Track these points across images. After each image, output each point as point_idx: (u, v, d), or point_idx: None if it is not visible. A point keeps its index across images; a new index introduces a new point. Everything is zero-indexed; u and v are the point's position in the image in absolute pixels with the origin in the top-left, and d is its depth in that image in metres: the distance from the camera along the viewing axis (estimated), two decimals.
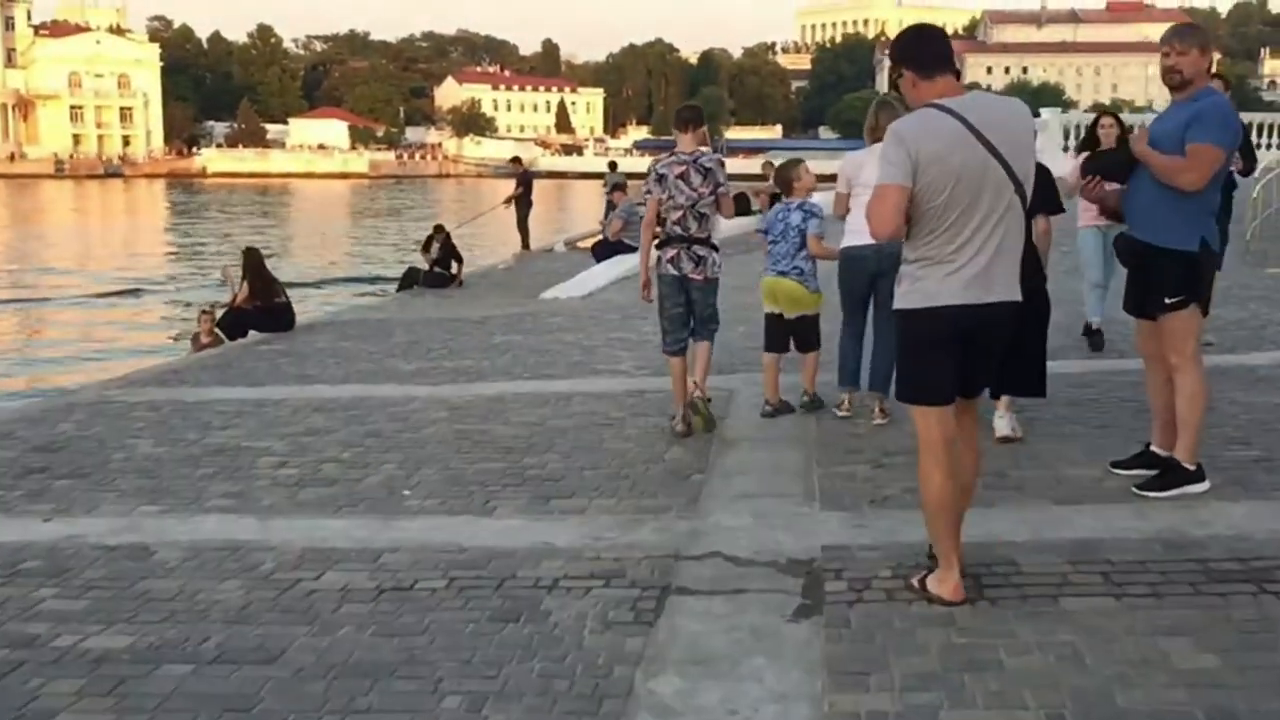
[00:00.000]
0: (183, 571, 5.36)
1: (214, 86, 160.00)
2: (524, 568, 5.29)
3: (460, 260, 19.81)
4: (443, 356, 11.84)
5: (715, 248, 7.96)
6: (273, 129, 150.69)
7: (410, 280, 19.56)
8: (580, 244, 26.83)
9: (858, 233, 7.11)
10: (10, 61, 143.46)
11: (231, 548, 5.67)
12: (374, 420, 8.65)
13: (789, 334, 8.30)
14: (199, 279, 32.11)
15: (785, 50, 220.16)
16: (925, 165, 4.38)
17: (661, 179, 7.84)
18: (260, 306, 13.68)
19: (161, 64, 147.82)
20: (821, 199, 8.54)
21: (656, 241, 8.04)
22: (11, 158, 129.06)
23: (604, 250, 20.56)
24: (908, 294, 4.61)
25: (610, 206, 22.56)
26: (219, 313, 13.91)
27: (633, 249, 20.38)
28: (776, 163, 10.33)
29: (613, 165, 28.47)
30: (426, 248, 19.50)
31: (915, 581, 4.78)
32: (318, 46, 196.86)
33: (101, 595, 5.06)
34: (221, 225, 59.54)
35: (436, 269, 19.31)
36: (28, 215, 69.82)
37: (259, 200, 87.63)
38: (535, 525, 5.99)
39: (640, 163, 68.35)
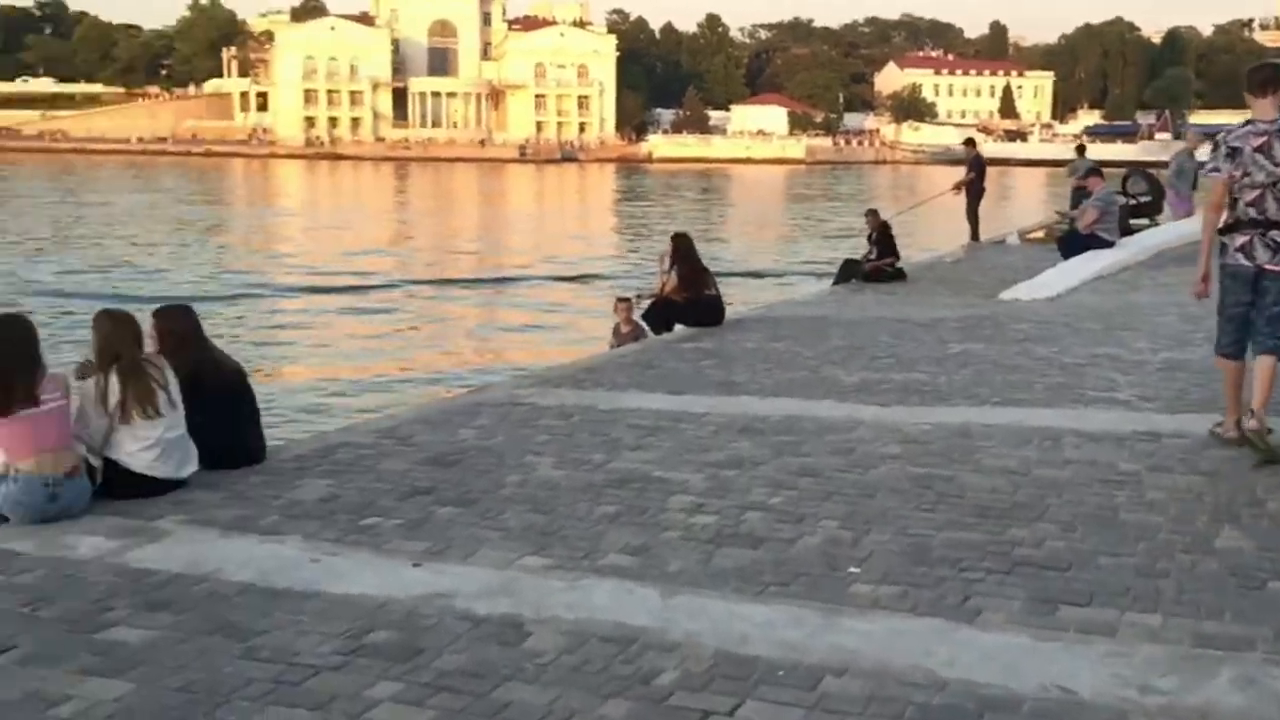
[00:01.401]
0: (557, 674, 3.99)
1: (664, 75, 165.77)
2: None
3: (895, 253, 17.92)
4: (889, 366, 10.09)
5: None
6: (715, 115, 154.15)
7: (848, 273, 17.90)
8: (1031, 235, 24.20)
9: None
10: (486, 54, 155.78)
11: (623, 640, 4.25)
12: (810, 451, 7.06)
13: None
14: (638, 264, 32.13)
15: (1264, 26, 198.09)
16: None
17: (1234, 153, 5.95)
18: (689, 298, 12.51)
19: (617, 54, 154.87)
20: None
21: (1221, 227, 6.18)
22: (481, 143, 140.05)
23: (1072, 244, 17.94)
24: None
25: (1080, 194, 19.81)
26: (645, 303, 12.89)
27: (1107, 243, 17.68)
28: None
29: (1080, 149, 25.49)
30: (873, 239, 17.74)
31: None
32: (762, 34, 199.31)
33: (450, 706, 3.76)
34: (663, 209, 60.70)
35: (879, 262, 17.53)
36: (493, 197, 74.75)
37: (699, 185, 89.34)
38: (1041, 649, 4.15)
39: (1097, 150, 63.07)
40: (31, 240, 38.03)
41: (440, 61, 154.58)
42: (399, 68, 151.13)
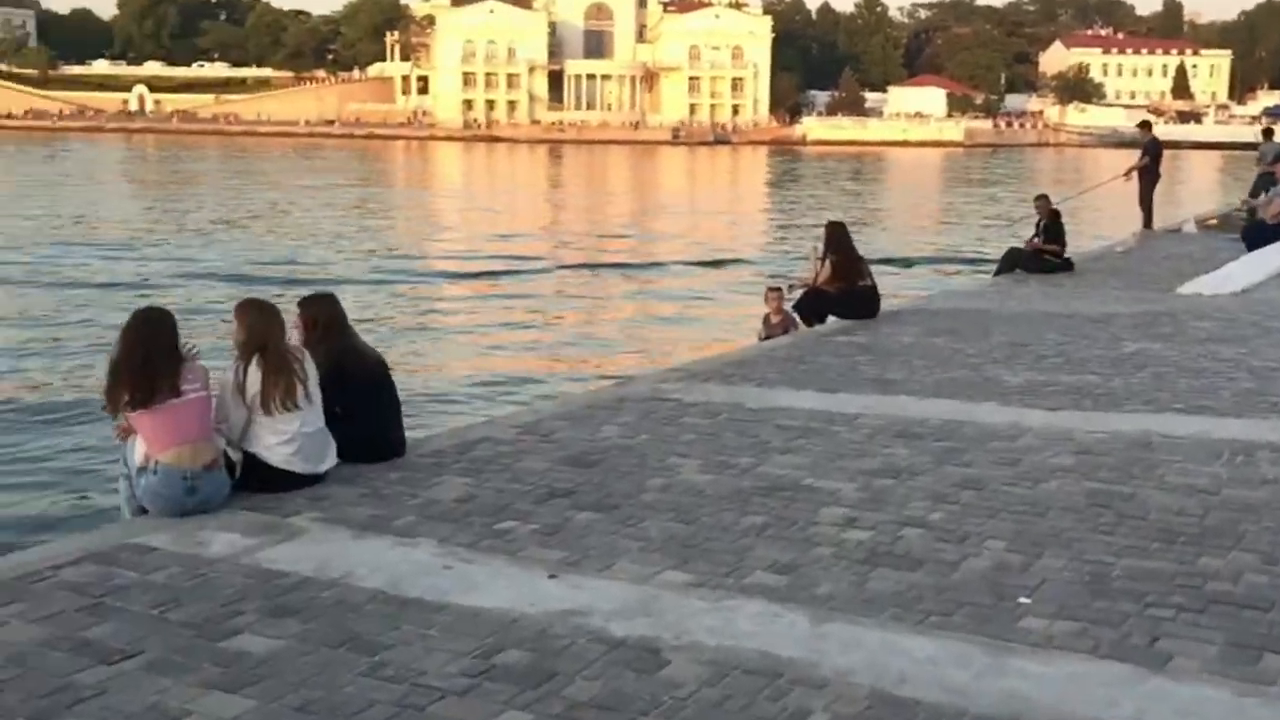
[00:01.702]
0: (697, 709, 3.67)
1: (819, 56, 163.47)
2: None
3: (1064, 241, 17.00)
4: (1058, 367, 9.47)
5: None
6: (871, 97, 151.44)
7: (1011, 262, 17.06)
8: (1208, 222, 22.86)
9: None
10: (641, 37, 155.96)
11: (769, 673, 3.91)
12: (972, 459, 6.59)
13: None
14: (789, 251, 31.49)
15: None
16: None
17: None
18: (843, 289, 12.02)
19: (772, 35, 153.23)
20: None
21: None
22: (635, 126, 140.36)
23: (1258, 234, 16.78)
24: None
25: (1266, 180, 18.57)
26: (796, 293, 12.43)
27: None
28: None
29: (1268, 133, 23.88)
30: (1041, 227, 16.85)
31: None
32: (922, 14, 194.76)
33: None
34: (816, 194, 59.77)
35: (1044, 253, 16.67)
36: (645, 180, 74.78)
37: (853, 169, 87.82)
38: (1242, 706, 3.67)
39: None
40: (207, 222, 39.30)
41: (596, 44, 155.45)
42: (555, 50, 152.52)
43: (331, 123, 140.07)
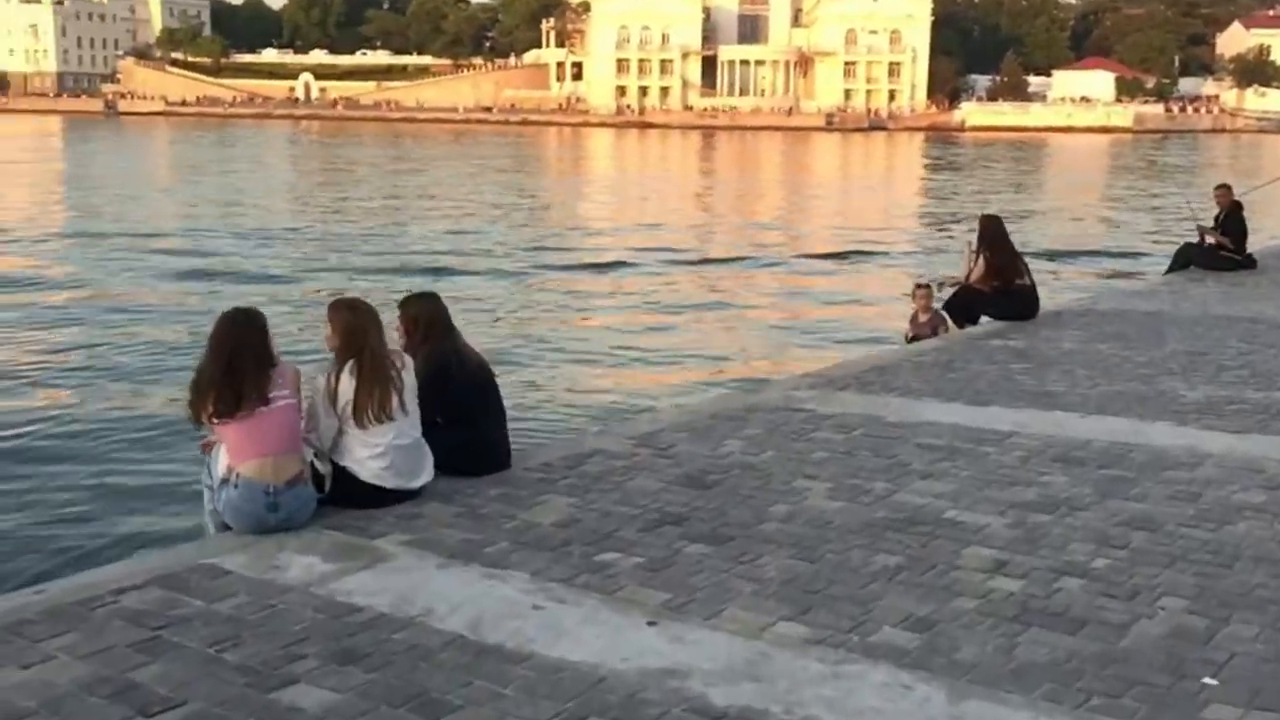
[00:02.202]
0: None
1: (980, 40, 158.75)
2: None
3: (1244, 235, 15.66)
4: (1242, 381, 8.51)
5: None
6: (1035, 81, 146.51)
7: (1185, 259, 15.83)
8: None
9: None
10: (796, 21, 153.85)
11: None
12: (1144, 492, 5.80)
13: None
14: (942, 244, 30.14)
15: None
16: None
17: None
18: (998, 288, 11.16)
19: (931, 19, 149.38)
20: None
21: None
22: (789, 112, 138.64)
23: None
24: None
25: None
26: (947, 291, 11.60)
27: None
28: None
29: None
30: (1220, 219, 15.56)
31: None
32: None
33: None
34: (973, 182, 57.83)
35: (1222, 249, 15.39)
36: (796, 168, 73.57)
37: (1013, 155, 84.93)
38: None
39: None
40: (359, 210, 39.82)
41: (750, 29, 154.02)
42: (709, 36, 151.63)
43: (488, 109, 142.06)
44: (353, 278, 23.06)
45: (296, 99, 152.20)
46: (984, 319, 11.34)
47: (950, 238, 30.11)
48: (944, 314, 11.29)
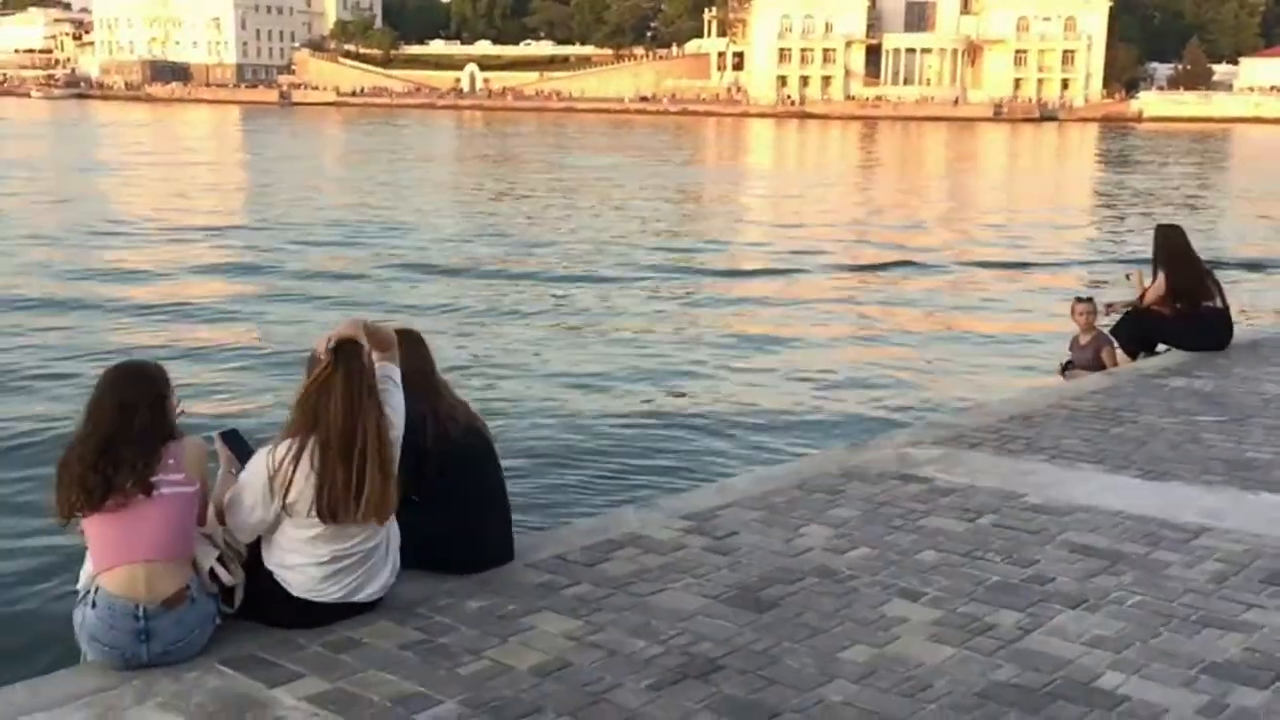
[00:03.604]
0: None
1: (1161, 26, 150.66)
2: None
3: None
4: None
5: None
6: (1220, 70, 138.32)
7: None
8: None
9: None
10: (966, 8, 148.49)
11: None
12: None
13: None
14: (1108, 250, 26.91)
15: None
16: None
17: None
18: (1181, 311, 9.18)
19: (1110, 4, 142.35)
20: None
21: None
22: (955, 102, 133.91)
23: None
24: None
25: None
26: (1114, 315, 9.62)
27: None
28: None
29: None
30: None
31: None
32: None
33: None
34: (1147, 178, 54.00)
35: None
36: (958, 162, 70.31)
37: (1194, 148, 79.74)
38: None
39: None
40: (514, 202, 38.70)
41: (917, 17, 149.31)
42: (874, 24, 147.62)
43: (645, 99, 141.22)
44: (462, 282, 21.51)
45: (461, 89, 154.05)
46: (1161, 346, 9.38)
47: (1119, 242, 27.22)
48: (1111, 339, 9.34)
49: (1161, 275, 9.21)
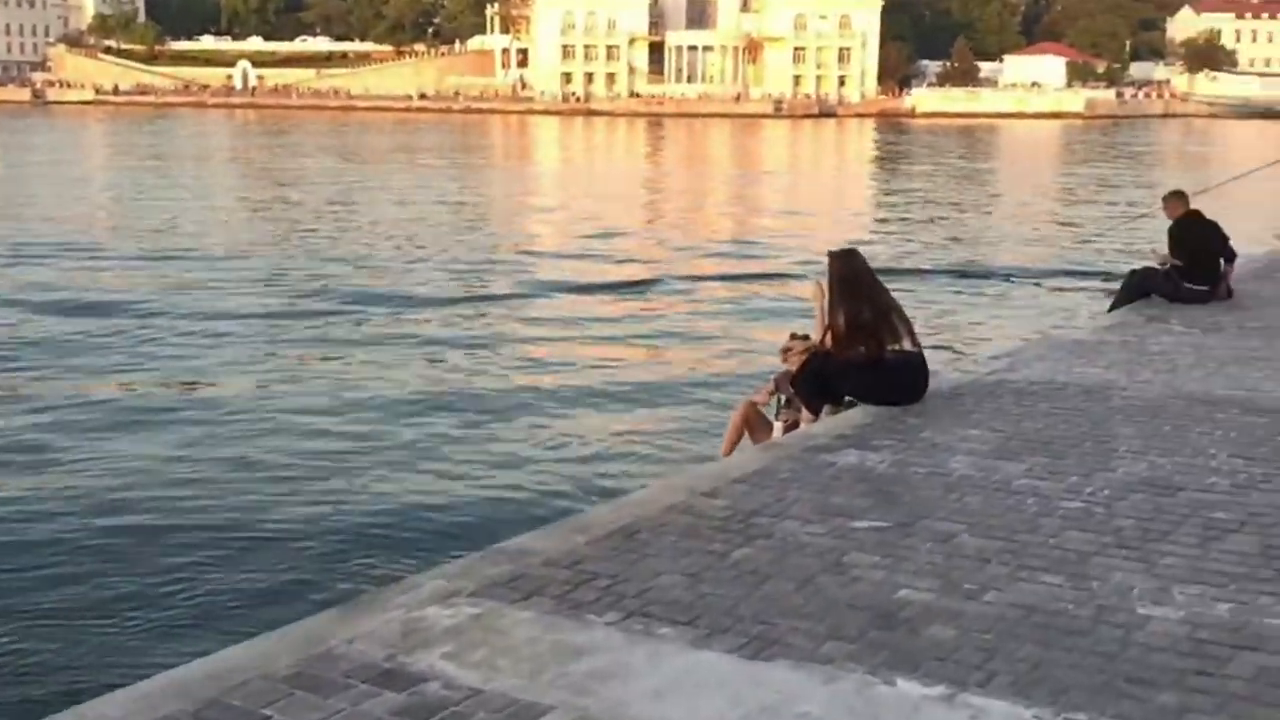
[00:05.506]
0: None
1: (931, 24, 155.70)
2: None
3: (1230, 256, 12.00)
4: (1249, 561, 4.81)
5: None
6: (986, 67, 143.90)
7: (1138, 288, 12.07)
8: None
9: None
10: (745, 6, 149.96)
11: None
12: None
13: None
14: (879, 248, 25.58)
15: None
16: None
17: None
18: (866, 355, 7.42)
19: (882, 3, 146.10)
20: None
21: None
22: (737, 99, 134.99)
23: None
24: None
25: None
26: (794, 360, 7.76)
27: None
28: None
29: None
30: (1175, 238, 11.86)
31: None
32: None
33: None
34: (919, 174, 54.32)
35: (1180, 275, 11.71)
36: (742, 159, 69.80)
37: (962, 143, 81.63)
38: None
39: None
40: (283, 214, 35.16)
41: (699, 13, 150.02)
42: (656, 21, 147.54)
43: (427, 97, 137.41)
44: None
45: (233, 87, 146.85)
46: (847, 399, 7.62)
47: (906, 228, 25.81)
48: (781, 399, 7.50)
49: (842, 312, 7.41)
